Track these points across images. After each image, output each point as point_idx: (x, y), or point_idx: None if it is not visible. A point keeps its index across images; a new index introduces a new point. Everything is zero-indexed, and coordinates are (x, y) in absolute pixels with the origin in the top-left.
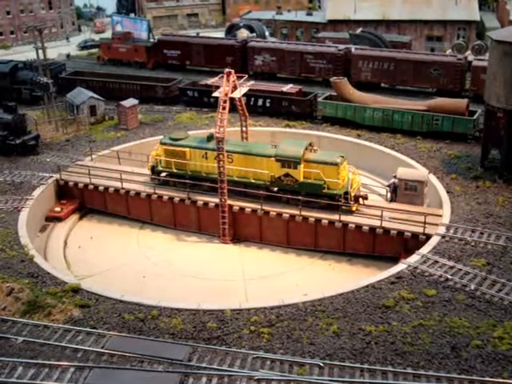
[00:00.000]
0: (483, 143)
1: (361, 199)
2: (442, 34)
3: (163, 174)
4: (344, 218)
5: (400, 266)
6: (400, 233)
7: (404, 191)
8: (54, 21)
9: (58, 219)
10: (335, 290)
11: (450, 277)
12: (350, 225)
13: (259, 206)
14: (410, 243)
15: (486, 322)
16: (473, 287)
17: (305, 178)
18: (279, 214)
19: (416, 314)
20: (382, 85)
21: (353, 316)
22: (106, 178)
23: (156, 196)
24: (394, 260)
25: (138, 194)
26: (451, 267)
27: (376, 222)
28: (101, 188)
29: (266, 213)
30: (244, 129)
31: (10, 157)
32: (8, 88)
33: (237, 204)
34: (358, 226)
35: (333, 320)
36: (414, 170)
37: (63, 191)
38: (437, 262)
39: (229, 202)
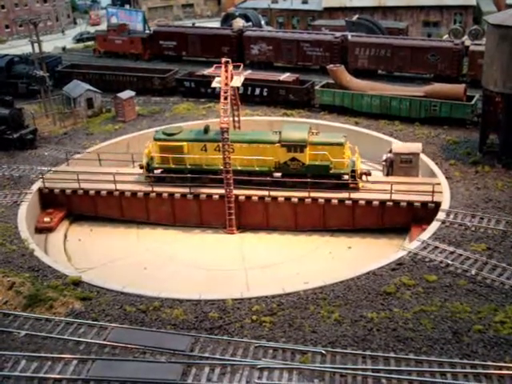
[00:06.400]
0: (481, 128)
1: (364, 176)
2: (438, 19)
3: (158, 171)
4: (353, 195)
5: (400, 253)
6: (410, 204)
7: (400, 164)
8: (48, 14)
9: (49, 230)
10: (336, 278)
11: (450, 262)
12: (360, 201)
13: (266, 193)
14: (420, 213)
15: (487, 306)
16: (473, 272)
17: (311, 161)
18: (287, 199)
19: (417, 299)
20: (380, 71)
21: (354, 303)
22: (93, 182)
23: (154, 194)
24: (400, 232)
25: (134, 194)
26: (452, 253)
27: (385, 196)
28: (92, 192)
29: (274, 198)
30: (236, 118)
31: (7, 151)
32: (4, 82)
33: (242, 193)
34: (368, 202)
35: (334, 308)
36: (408, 144)
37: (46, 200)
38: (437, 247)
39: (234, 191)
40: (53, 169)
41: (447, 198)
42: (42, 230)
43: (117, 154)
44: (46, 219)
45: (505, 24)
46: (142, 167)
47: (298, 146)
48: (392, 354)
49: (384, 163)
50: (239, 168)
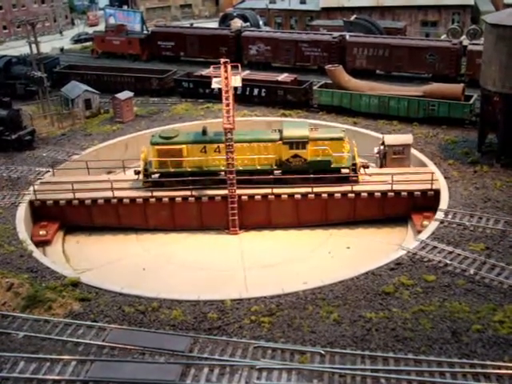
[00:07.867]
0: (480, 128)
1: (362, 169)
2: (436, 19)
3: (156, 176)
4: (355, 188)
5: (399, 253)
6: (410, 193)
7: (393, 156)
8: (46, 15)
9: (46, 243)
10: (335, 278)
11: (449, 262)
12: (363, 194)
13: (269, 191)
14: (418, 201)
15: (486, 306)
16: (472, 272)
17: (313, 157)
18: (290, 196)
19: (416, 299)
20: (378, 71)
21: (353, 303)
22: (87, 190)
23: (154, 199)
24: (399, 222)
25: (132, 200)
26: (450, 252)
27: (386, 187)
28: (87, 201)
29: (277, 196)
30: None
31: (5, 152)
32: (2, 83)
33: (245, 193)
34: (370, 194)
35: (333, 308)
36: (399, 135)
37: (37, 212)
38: (436, 247)
39: (237, 191)
40: (42, 180)
41: (446, 198)
42: (38, 243)
43: (105, 161)
44: (42, 232)
45: (503, 23)
46: (137, 173)
47: (300, 143)
48: (391, 354)
49: (377, 155)
50: (240, 168)
